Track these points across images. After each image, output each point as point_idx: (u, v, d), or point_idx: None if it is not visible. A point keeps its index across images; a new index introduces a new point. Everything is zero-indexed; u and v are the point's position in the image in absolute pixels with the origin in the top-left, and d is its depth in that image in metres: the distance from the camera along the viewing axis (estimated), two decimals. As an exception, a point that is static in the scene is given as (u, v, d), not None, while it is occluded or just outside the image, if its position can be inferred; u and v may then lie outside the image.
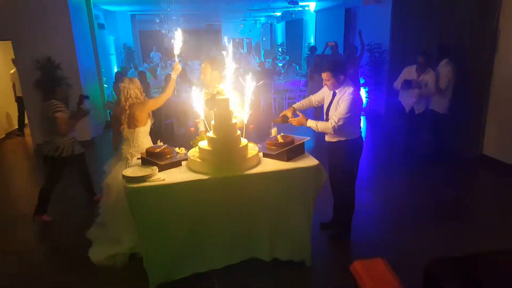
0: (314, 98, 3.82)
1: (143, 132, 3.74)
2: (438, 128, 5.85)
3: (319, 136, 3.75)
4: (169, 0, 9.79)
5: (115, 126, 3.79)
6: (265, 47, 18.56)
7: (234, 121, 3.09)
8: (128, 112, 3.63)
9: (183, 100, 7.70)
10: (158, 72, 10.87)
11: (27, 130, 8.49)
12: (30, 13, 6.87)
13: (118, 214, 3.49)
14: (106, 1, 10.01)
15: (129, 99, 3.62)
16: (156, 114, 7.76)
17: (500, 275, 1.18)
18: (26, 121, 8.22)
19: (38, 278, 3.41)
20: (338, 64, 3.49)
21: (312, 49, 10.87)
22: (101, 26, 9.94)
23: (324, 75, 3.46)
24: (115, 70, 11.21)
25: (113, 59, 11.71)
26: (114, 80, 9.04)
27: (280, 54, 15.68)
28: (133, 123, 3.67)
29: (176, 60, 3.78)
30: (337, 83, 3.45)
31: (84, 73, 7.50)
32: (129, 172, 2.93)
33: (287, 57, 13.62)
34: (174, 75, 3.86)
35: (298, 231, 3.25)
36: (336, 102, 3.47)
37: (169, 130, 8.32)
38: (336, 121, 3.38)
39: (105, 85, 8.88)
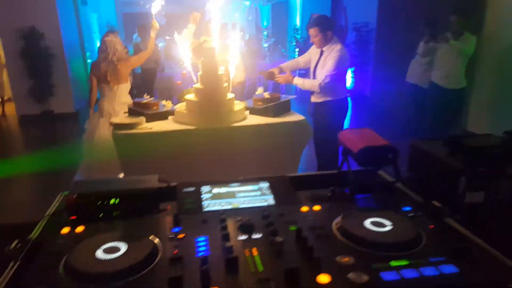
0: (301, 59, 3.85)
1: (125, 89, 3.81)
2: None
3: (304, 97, 3.80)
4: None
5: (94, 82, 3.79)
6: (250, 32, 18.43)
7: (221, 72, 3.10)
8: (114, 66, 3.64)
9: (167, 76, 7.66)
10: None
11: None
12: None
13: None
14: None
15: (116, 53, 3.64)
16: (139, 90, 7.75)
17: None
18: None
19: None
20: (325, 19, 3.51)
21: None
22: (84, 2, 9.72)
23: (312, 31, 3.48)
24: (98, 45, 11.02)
25: (96, 37, 11.48)
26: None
27: (266, 37, 15.60)
28: (117, 79, 3.70)
29: (154, 19, 3.81)
30: (325, 40, 3.48)
31: (67, 46, 7.34)
32: (117, 120, 2.93)
33: (273, 39, 13.59)
34: (153, 34, 3.86)
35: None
36: (324, 60, 3.50)
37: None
38: (323, 79, 3.42)
39: (88, 60, 8.73)
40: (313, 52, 3.70)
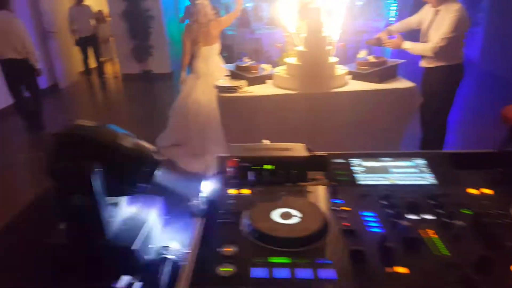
0: (413, 19, 3.50)
1: (217, 49, 3.95)
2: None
3: (413, 60, 3.47)
4: None
5: (188, 44, 3.93)
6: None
7: (325, 34, 2.93)
8: (205, 28, 3.77)
9: (256, 37, 7.60)
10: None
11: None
12: None
13: (205, 129, 3.72)
14: None
15: (207, 15, 3.76)
16: (229, 52, 7.83)
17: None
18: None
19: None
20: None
21: None
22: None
23: (428, -12, 3.12)
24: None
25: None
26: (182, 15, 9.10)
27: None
28: (209, 40, 3.83)
29: None
30: (443, -2, 3.10)
31: (164, 7, 7.61)
32: (221, 82, 2.98)
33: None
34: None
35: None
36: (439, 21, 3.13)
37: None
38: (438, 42, 3.07)
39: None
40: (426, 11, 3.32)
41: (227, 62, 7.27)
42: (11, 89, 5.03)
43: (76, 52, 7.59)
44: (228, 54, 7.52)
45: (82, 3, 7.13)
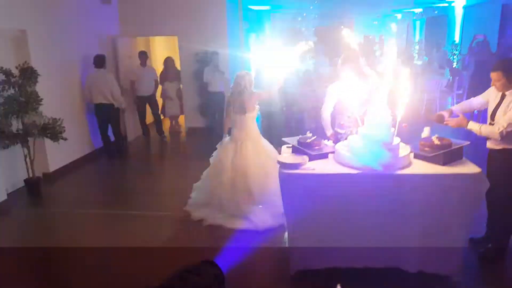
0: (476, 101, 3.50)
1: (251, 118, 4.26)
2: None
3: (479, 141, 3.43)
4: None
5: (229, 111, 4.38)
6: (400, 45, 17.55)
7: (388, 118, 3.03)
8: (243, 98, 4.16)
9: (317, 95, 7.80)
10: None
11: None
12: (193, 12, 7.80)
13: (236, 190, 4.09)
14: (252, 1, 10.72)
15: (246, 87, 4.18)
16: (289, 108, 8.11)
17: None
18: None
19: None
20: (510, 62, 3.14)
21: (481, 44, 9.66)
22: (245, 24, 10.64)
23: (494, 75, 3.14)
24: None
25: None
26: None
27: (416, 52, 14.62)
28: (243, 109, 4.18)
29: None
30: (509, 84, 3.11)
31: (231, 67, 8.17)
32: (283, 158, 3.12)
33: (425, 58, 12.62)
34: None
35: (451, 243, 3.01)
36: (506, 105, 3.12)
37: (301, 124, 8.49)
38: (505, 126, 3.04)
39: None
40: (492, 94, 3.32)
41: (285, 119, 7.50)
42: (100, 127, 6.47)
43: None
44: (288, 109, 7.80)
45: (146, 66, 7.74)
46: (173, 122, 8.84)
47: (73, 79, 6.36)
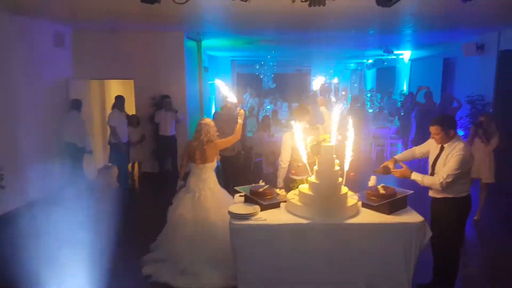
0: (418, 150, 3.72)
1: (210, 168, 4.05)
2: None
3: (422, 189, 3.61)
4: (266, 48, 10.44)
5: (185, 159, 4.11)
6: (352, 93, 18.54)
7: (336, 168, 3.14)
8: (203, 147, 3.96)
9: (275, 140, 7.97)
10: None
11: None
12: (150, 55, 7.82)
13: (194, 245, 3.74)
14: (212, 48, 11.01)
15: (208, 135, 3.97)
16: (247, 153, 8.19)
17: None
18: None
19: None
20: (448, 118, 3.40)
21: (409, 95, 10.55)
22: (206, 70, 10.87)
23: (433, 129, 3.37)
24: (213, 109, 12.05)
25: (212, 99, 12.64)
26: (212, 118, 9.69)
27: (368, 100, 15.49)
28: (204, 159, 3.98)
29: (239, 107, 4.14)
30: (447, 138, 3.34)
31: (190, 111, 8.21)
32: (234, 209, 3.11)
33: (377, 104, 13.41)
34: (240, 120, 4.03)
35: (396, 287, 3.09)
36: (445, 157, 3.33)
37: (258, 169, 8.58)
38: (445, 177, 3.23)
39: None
40: (432, 145, 3.55)
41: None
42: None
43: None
44: (246, 154, 7.85)
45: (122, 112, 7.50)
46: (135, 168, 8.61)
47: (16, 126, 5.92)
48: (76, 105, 6.63)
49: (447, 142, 3.35)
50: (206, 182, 4.03)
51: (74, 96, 7.38)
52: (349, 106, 13.22)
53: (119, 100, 6.99)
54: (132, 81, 8.11)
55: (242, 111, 4.00)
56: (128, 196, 7.23)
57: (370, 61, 15.80)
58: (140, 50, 7.79)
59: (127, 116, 7.60)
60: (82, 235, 4.92)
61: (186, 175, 4.25)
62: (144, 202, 7.10)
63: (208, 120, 4.12)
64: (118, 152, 6.85)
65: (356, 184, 3.65)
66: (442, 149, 3.41)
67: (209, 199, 3.96)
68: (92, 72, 7.80)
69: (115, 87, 9.83)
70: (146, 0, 2.63)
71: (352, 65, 19.03)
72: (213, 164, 4.10)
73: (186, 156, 4.12)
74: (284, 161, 4.14)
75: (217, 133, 4.14)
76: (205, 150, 3.98)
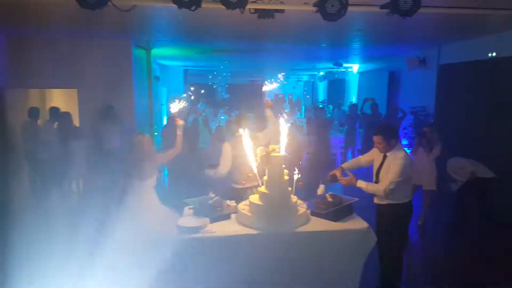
0: (363, 159, 3.85)
1: (150, 186, 3.69)
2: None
3: (368, 196, 3.74)
4: (219, 58, 10.45)
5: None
6: (306, 103, 19.03)
7: (286, 177, 3.17)
8: (140, 163, 3.62)
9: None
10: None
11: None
12: (95, 64, 7.43)
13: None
14: (164, 57, 10.83)
15: (143, 151, 3.63)
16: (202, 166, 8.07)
17: None
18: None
19: None
20: (389, 128, 3.55)
21: (353, 106, 11.01)
22: (156, 78, 10.66)
23: (376, 138, 3.51)
24: (164, 119, 11.82)
25: (164, 108, 12.41)
26: (163, 126, 9.47)
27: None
28: (140, 175, 3.62)
29: (178, 118, 3.99)
30: (388, 147, 3.48)
31: (138, 121, 7.96)
32: (182, 222, 3.03)
33: (329, 114, 13.85)
34: (179, 132, 3.87)
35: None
36: (387, 165, 3.48)
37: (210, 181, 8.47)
38: (388, 185, 3.36)
39: (155, 133, 9.35)
40: (376, 153, 3.69)
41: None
42: None
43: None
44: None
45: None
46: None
47: None
48: (33, 113, 6.75)
49: (389, 151, 3.50)
50: (148, 200, 3.66)
51: (10, 105, 6.95)
52: (304, 117, 13.57)
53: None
54: (75, 90, 7.71)
55: (180, 121, 3.85)
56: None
57: (322, 73, 16.31)
58: (84, 58, 7.33)
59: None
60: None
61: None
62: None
63: (141, 136, 3.76)
64: None
65: (307, 193, 3.71)
66: (385, 157, 3.55)
67: (151, 220, 3.53)
68: (31, 81, 7.27)
69: (60, 97, 9.36)
70: (86, 6, 2.51)
71: (305, 77, 19.56)
72: (153, 180, 3.71)
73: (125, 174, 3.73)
74: (223, 170, 4.02)
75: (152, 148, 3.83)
76: (143, 166, 3.61)
